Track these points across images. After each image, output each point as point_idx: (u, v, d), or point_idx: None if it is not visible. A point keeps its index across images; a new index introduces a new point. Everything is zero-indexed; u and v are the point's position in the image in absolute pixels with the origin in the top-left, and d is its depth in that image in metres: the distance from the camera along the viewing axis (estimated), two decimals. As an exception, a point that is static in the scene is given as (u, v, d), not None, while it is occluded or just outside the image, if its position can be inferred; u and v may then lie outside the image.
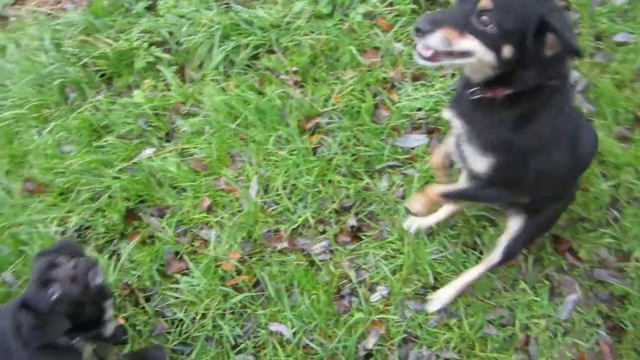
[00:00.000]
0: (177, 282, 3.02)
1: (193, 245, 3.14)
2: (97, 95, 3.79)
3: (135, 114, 3.63)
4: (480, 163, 1.97)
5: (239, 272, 2.98)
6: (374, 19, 3.66)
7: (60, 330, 2.19)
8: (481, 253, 2.84)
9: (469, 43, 1.57)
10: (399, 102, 3.33)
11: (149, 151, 3.48)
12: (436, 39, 1.57)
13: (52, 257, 2.26)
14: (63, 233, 3.26)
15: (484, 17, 1.53)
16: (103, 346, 2.73)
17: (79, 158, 3.47)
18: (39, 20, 4.25)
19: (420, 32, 1.58)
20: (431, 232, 2.93)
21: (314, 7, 3.69)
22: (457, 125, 2.02)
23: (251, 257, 3.03)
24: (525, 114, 1.80)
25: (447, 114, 2.10)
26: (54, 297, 2.13)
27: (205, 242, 3.13)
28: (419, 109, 3.26)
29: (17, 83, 3.90)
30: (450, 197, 2.26)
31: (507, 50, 1.56)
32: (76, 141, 3.62)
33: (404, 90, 3.39)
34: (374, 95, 3.39)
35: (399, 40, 3.57)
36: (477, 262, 2.77)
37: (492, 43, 1.55)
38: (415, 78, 3.43)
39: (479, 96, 1.80)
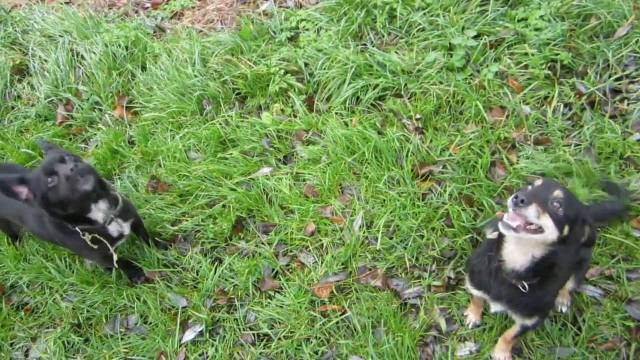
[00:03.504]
0: (270, 297, 3.14)
1: (290, 266, 3.26)
2: (230, 110, 4.07)
3: (260, 134, 3.85)
4: (529, 321, 2.40)
5: (329, 300, 3.04)
6: (505, 79, 3.65)
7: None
8: (579, 330, 2.73)
9: (547, 220, 1.90)
10: (517, 163, 3.28)
11: (266, 170, 3.66)
12: (532, 211, 1.88)
13: (61, 153, 2.67)
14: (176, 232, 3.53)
15: (556, 203, 1.92)
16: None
17: (204, 165, 3.74)
18: (192, 35, 4.64)
19: (522, 203, 1.87)
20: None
21: (448, 60, 3.75)
22: (492, 302, 2.43)
23: (343, 288, 3.10)
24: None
25: (476, 292, 2.48)
26: (50, 184, 2.57)
27: (302, 266, 3.23)
28: (537, 173, 3.20)
29: (162, 89, 4.27)
30: (518, 336, 2.57)
31: (566, 229, 1.94)
32: (203, 149, 3.90)
33: (524, 152, 3.33)
34: (492, 153, 3.37)
35: (527, 103, 3.53)
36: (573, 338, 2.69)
37: (559, 223, 1.92)
38: (537, 142, 3.37)
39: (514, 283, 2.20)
